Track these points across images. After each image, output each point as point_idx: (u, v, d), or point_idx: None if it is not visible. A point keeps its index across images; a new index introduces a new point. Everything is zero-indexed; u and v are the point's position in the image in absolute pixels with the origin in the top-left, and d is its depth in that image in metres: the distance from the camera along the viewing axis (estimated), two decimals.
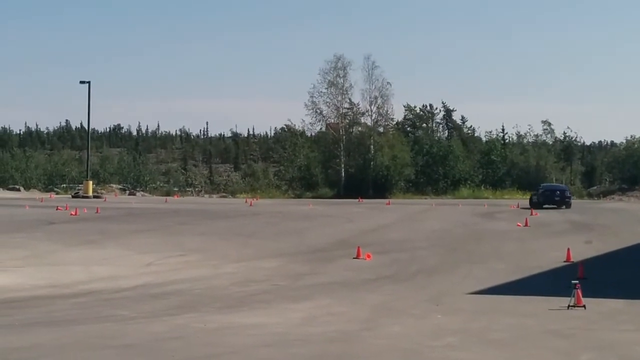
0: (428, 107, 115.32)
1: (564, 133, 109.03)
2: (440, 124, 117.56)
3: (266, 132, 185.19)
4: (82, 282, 21.57)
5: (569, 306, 17.79)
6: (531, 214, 49.29)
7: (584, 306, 17.77)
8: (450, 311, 17.72)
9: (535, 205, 60.83)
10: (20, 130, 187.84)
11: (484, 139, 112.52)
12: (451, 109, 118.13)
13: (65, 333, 14.58)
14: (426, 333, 15.11)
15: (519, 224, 42.36)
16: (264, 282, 22.14)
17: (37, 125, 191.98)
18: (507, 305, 18.81)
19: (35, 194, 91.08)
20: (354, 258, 27.37)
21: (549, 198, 62.13)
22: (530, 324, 16.23)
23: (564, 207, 60.73)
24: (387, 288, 21.44)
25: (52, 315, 16.69)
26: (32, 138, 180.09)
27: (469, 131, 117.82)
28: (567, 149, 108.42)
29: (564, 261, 27.38)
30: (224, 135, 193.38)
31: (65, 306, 17.90)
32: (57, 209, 50.83)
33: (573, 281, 18.53)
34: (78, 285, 21.15)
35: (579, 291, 17.92)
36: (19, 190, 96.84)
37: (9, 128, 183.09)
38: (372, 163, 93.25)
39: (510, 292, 21.10)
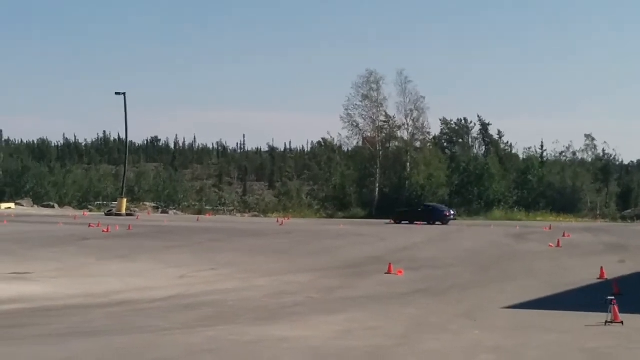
0: (463, 121, 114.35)
1: (603, 150, 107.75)
2: (476, 139, 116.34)
3: (303, 146, 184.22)
4: (116, 292, 21.60)
5: (606, 322, 17.50)
6: (563, 236, 48.87)
7: (622, 322, 17.48)
8: (485, 326, 17.49)
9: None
10: (58, 142, 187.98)
11: (521, 156, 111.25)
12: (487, 123, 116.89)
13: (101, 343, 14.55)
14: (462, 349, 14.92)
15: (551, 244, 42.01)
16: (297, 295, 22.04)
17: (75, 137, 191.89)
18: (542, 321, 18.55)
19: (69, 211, 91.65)
20: (385, 273, 27.23)
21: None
22: (567, 340, 15.99)
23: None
24: (421, 302, 21.27)
25: (87, 325, 16.67)
26: (70, 150, 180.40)
27: (506, 147, 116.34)
28: (605, 169, 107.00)
29: (598, 278, 27.09)
30: (260, 149, 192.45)
31: (100, 315, 17.91)
32: (89, 226, 51.08)
33: (608, 297, 18.23)
34: (112, 295, 21.17)
35: (616, 307, 17.64)
36: (53, 207, 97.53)
37: (47, 139, 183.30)
38: (407, 182, 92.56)
39: (545, 308, 20.85)
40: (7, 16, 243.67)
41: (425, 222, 69.30)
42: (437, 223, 69.31)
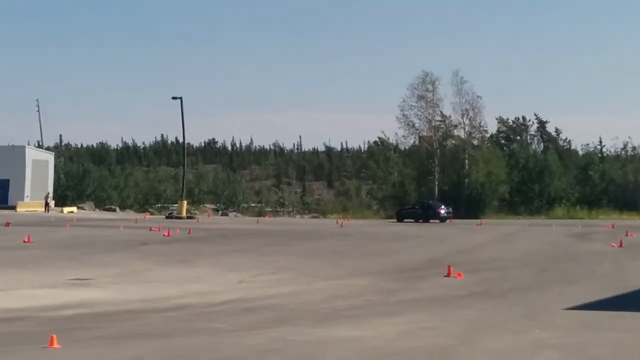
0: (521, 120, 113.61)
1: None
2: (534, 136, 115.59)
3: (359, 146, 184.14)
4: (176, 297, 21.79)
5: None
6: (626, 235, 48.34)
7: None
8: (547, 326, 17.41)
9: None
10: (117, 145, 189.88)
11: (580, 153, 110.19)
12: (545, 120, 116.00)
13: (162, 345, 14.74)
14: (525, 347, 14.90)
15: (613, 244, 41.60)
16: (356, 298, 22.08)
17: (133, 140, 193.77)
18: (606, 321, 18.41)
19: (130, 214, 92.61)
20: (444, 276, 27.15)
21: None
22: (631, 339, 15.88)
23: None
24: (480, 304, 21.20)
25: (148, 327, 16.90)
26: (129, 153, 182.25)
27: (565, 144, 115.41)
28: None
29: None
30: (317, 149, 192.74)
31: (160, 319, 18.11)
32: (150, 230, 51.57)
33: None
34: (171, 299, 21.36)
35: None
36: (114, 210, 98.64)
37: (106, 143, 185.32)
38: (466, 180, 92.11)
39: (608, 309, 20.67)
40: (65, 23, 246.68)
41: (421, 220, 71.96)
42: (432, 221, 71.60)
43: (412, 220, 72.82)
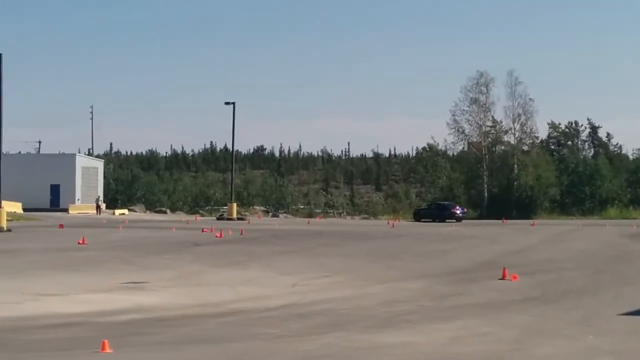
0: (573, 124, 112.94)
1: None
2: (585, 141, 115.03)
3: (408, 152, 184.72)
4: (230, 302, 21.84)
5: None
6: None
7: None
8: (602, 332, 17.23)
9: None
10: (166, 152, 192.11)
11: (631, 157, 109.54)
12: (597, 126, 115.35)
13: (216, 351, 14.81)
14: (578, 354, 14.74)
15: None
16: (409, 303, 21.99)
17: (182, 148, 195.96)
18: None
19: (181, 216, 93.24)
20: (499, 279, 26.93)
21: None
22: None
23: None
24: (534, 309, 21.01)
25: (203, 333, 16.96)
26: (177, 160, 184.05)
27: (616, 149, 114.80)
28: None
29: None
30: (365, 155, 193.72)
31: (215, 325, 18.18)
32: (202, 231, 51.81)
33: None
34: (226, 304, 21.41)
35: None
36: (165, 212, 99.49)
37: (156, 150, 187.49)
38: (515, 183, 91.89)
39: None
40: (118, 31, 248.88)
41: (438, 220, 75.45)
42: (447, 220, 74.96)
43: (430, 220, 76.35)
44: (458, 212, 78.57)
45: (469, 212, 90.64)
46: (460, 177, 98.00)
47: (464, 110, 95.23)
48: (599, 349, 15.19)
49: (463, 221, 75.52)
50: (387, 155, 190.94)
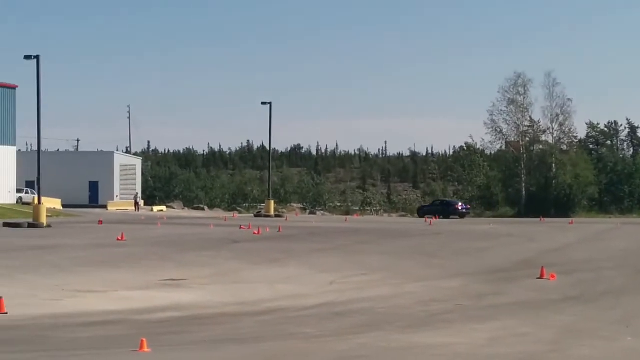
0: (612, 124, 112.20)
1: None
2: (624, 141, 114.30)
3: (445, 151, 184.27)
4: (267, 300, 21.89)
5: None
6: None
7: None
8: (639, 333, 17.13)
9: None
10: (203, 150, 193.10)
11: None
12: (636, 125, 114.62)
13: (253, 350, 14.85)
14: (616, 355, 14.65)
15: None
16: (446, 302, 21.93)
17: (220, 146, 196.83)
18: None
19: (218, 213, 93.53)
20: (537, 278, 26.77)
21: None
22: None
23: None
24: (573, 309, 20.91)
25: (240, 332, 17.03)
26: (215, 158, 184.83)
27: None
28: None
29: None
30: (402, 154, 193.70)
31: (252, 323, 18.22)
32: (240, 228, 51.93)
33: None
34: (263, 303, 21.46)
35: None
36: (203, 209, 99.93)
37: (193, 149, 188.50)
38: (554, 182, 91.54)
39: None
40: (155, 30, 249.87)
41: (441, 216, 79.11)
42: (451, 217, 79.96)
43: (432, 217, 78.33)
44: (460, 208, 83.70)
45: (507, 210, 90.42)
46: (497, 175, 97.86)
47: (501, 110, 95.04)
48: (638, 351, 15.10)
49: (500, 219, 75.54)
50: (425, 154, 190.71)
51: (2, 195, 78.06)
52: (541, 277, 26.84)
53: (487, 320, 18.84)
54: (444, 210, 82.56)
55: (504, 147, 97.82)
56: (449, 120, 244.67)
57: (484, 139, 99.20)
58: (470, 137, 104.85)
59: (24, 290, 22.88)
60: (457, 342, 15.76)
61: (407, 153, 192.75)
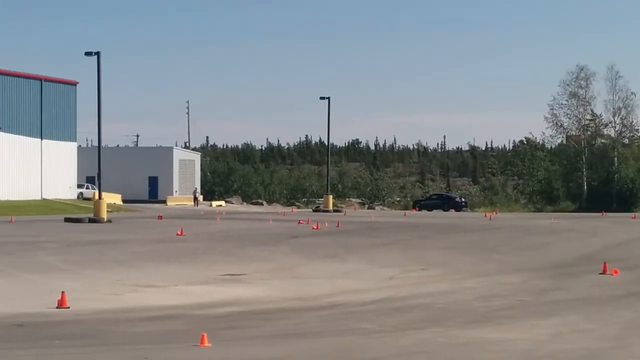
0: None
1: None
2: None
3: (504, 145, 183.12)
4: (326, 295, 21.87)
5: None
6: None
7: None
8: None
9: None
10: (262, 146, 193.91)
11: None
12: None
13: (313, 345, 14.84)
14: None
15: None
16: (507, 297, 21.74)
17: (278, 141, 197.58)
18: None
19: (277, 208, 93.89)
20: (599, 273, 26.44)
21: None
22: None
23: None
24: (636, 305, 20.62)
25: (300, 327, 17.03)
26: (273, 153, 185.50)
27: None
28: None
29: None
30: (461, 148, 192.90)
31: (311, 318, 18.23)
32: (299, 223, 51.98)
33: None
34: (322, 298, 21.45)
35: None
36: (261, 204, 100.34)
37: (251, 144, 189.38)
38: (616, 176, 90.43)
39: None
40: (214, 27, 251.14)
41: (443, 209, 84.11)
42: (451, 210, 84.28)
43: (429, 210, 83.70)
44: (459, 201, 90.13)
45: (568, 205, 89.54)
46: (558, 169, 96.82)
47: (562, 104, 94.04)
48: None
49: (561, 214, 74.88)
50: (484, 149, 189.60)
51: (63, 191, 79.02)
52: (604, 272, 26.50)
53: (548, 316, 18.64)
54: (444, 204, 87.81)
55: (564, 141, 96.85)
56: (508, 114, 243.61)
57: (545, 133, 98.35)
58: (530, 133, 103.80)
59: (85, 285, 23.14)
60: (518, 337, 15.62)
61: (466, 147, 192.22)
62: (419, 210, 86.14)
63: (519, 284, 24.55)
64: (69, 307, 18.81)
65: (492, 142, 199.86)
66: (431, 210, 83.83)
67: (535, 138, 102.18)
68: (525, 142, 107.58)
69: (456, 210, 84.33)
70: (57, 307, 18.78)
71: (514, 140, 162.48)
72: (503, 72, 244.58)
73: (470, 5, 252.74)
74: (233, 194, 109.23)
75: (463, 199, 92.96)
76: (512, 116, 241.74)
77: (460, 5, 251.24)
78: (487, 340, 15.39)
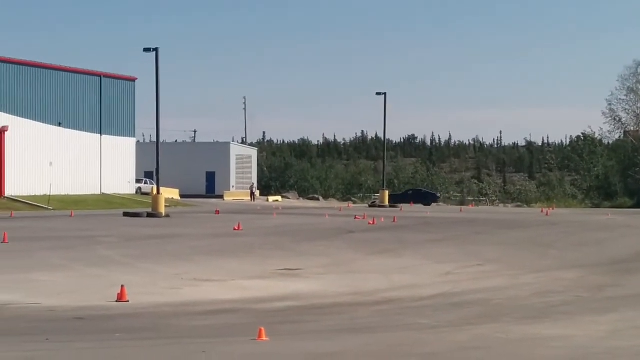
0: None
1: None
2: None
3: (561, 141, 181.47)
4: (383, 290, 21.92)
5: None
6: None
7: None
8: None
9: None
10: (318, 141, 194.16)
11: None
12: None
13: (369, 340, 14.89)
14: None
15: None
16: (564, 293, 21.63)
17: (334, 136, 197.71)
18: None
19: (333, 203, 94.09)
20: None
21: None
22: None
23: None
24: None
25: (356, 322, 17.08)
26: (329, 149, 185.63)
27: None
28: None
29: None
30: (517, 144, 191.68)
31: (367, 313, 18.27)
32: (355, 218, 52.08)
33: None
34: (379, 293, 21.50)
35: None
36: (318, 199, 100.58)
37: (308, 139, 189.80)
38: None
39: None
40: (269, 25, 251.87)
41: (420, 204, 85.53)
42: (427, 204, 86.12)
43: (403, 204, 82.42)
44: (438, 195, 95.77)
45: (626, 201, 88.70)
46: (616, 165, 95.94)
47: (620, 99, 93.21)
48: None
49: (619, 209, 74.29)
50: (540, 144, 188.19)
51: (122, 186, 79.83)
52: None
53: (606, 312, 18.53)
54: (422, 198, 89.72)
55: (622, 137, 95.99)
56: (566, 110, 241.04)
57: (602, 129, 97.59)
58: (590, 127, 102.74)
59: (144, 278, 23.40)
60: (576, 334, 15.54)
61: (522, 143, 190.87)
62: (392, 205, 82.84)
63: (576, 280, 24.41)
64: (128, 301, 19.04)
65: (548, 137, 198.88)
66: (411, 204, 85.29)
67: (594, 133, 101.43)
68: (582, 138, 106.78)
69: (425, 205, 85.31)
70: (116, 301, 19.00)
71: (571, 136, 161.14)
72: (560, 67, 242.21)
73: (525, 1, 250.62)
74: (289, 189, 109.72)
75: (436, 194, 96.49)
76: (570, 111, 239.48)
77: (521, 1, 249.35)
78: (545, 336, 15.34)
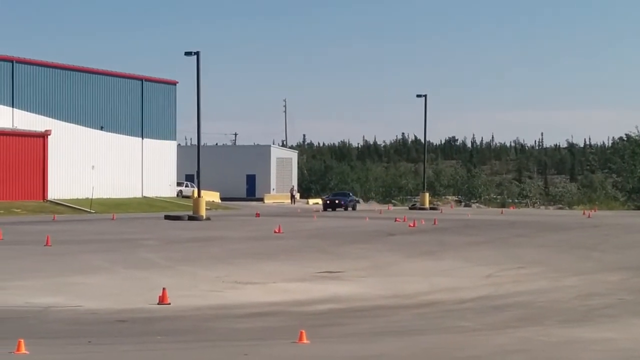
0: None
1: None
2: None
3: (604, 142, 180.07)
4: (424, 293, 21.88)
5: None
6: None
7: None
8: None
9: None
10: (358, 143, 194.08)
11: None
12: None
13: (411, 343, 14.88)
14: None
15: None
16: (607, 296, 21.46)
17: (374, 139, 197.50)
18: None
19: (373, 205, 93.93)
20: None
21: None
22: None
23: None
24: None
25: (397, 324, 17.08)
26: (369, 151, 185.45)
27: None
28: None
29: None
30: (559, 145, 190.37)
31: (409, 316, 18.27)
32: (395, 221, 52.01)
33: None
34: (420, 296, 21.47)
35: None
36: (358, 202, 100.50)
37: (348, 142, 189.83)
38: None
39: None
40: (306, 27, 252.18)
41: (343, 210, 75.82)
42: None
43: (331, 210, 75.07)
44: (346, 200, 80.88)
45: None
46: None
47: None
48: None
49: None
50: (582, 146, 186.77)
51: (163, 189, 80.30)
52: None
53: None
54: (345, 202, 79.11)
55: None
56: (607, 111, 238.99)
57: None
58: (637, 127, 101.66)
59: (186, 281, 23.52)
60: (619, 337, 15.43)
61: (564, 144, 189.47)
62: (325, 210, 76.22)
63: (618, 283, 24.21)
64: (169, 304, 19.13)
65: (590, 139, 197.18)
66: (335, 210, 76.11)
67: (637, 134, 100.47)
68: (625, 139, 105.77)
69: (345, 210, 76.13)
70: (158, 304, 19.11)
71: (613, 137, 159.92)
72: (602, 69, 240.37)
73: (566, 3, 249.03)
74: (329, 192, 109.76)
75: (355, 199, 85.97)
76: (612, 113, 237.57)
77: (556, 2, 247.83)
78: (588, 339, 15.24)
